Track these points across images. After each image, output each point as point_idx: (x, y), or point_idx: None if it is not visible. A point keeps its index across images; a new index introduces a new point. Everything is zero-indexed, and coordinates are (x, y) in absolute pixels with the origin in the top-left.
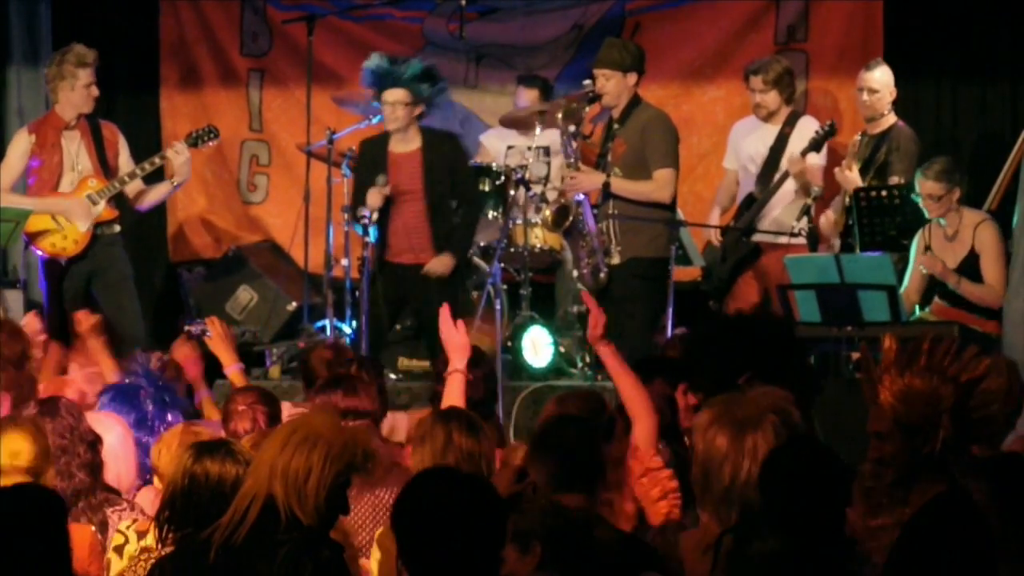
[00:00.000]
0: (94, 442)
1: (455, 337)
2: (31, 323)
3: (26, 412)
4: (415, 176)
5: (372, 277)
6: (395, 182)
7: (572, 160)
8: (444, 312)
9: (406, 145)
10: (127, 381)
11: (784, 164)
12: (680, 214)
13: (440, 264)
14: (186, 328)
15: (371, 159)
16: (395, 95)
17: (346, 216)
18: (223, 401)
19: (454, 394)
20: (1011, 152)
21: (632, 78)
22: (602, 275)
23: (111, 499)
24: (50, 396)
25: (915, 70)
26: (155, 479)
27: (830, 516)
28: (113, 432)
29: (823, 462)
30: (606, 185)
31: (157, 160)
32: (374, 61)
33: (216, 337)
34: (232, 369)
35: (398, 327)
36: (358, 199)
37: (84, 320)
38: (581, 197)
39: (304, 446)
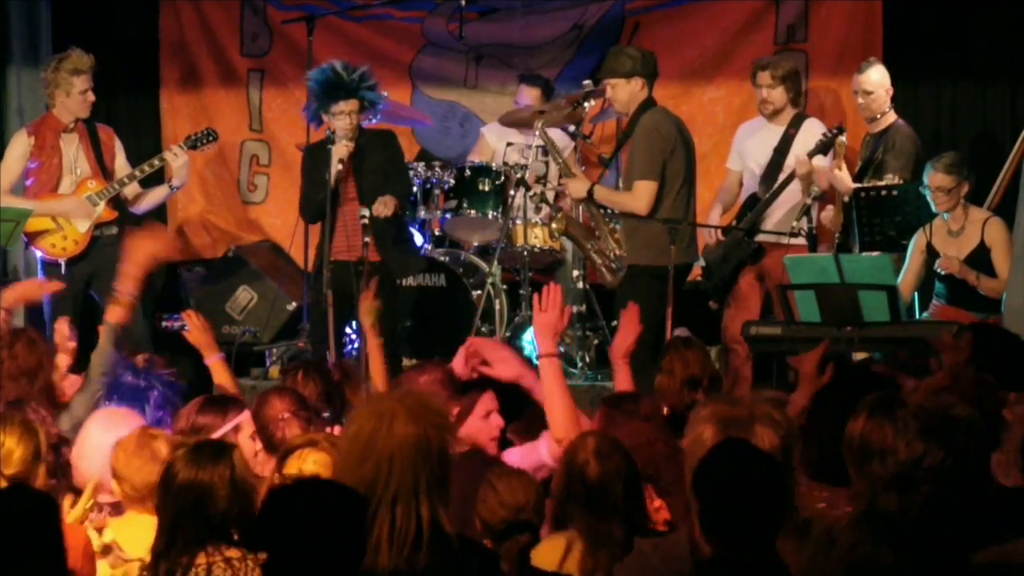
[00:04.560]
0: (58, 445)
1: (542, 318)
2: (61, 329)
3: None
4: (349, 177)
5: (318, 273)
6: (340, 184)
7: (562, 164)
8: (545, 294)
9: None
10: (131, 381)
11: (790, 165)
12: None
13: (382, 205)
14: (163, 324)
15: (318, 162)
16: (350, 105)
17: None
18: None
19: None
20: (1011, 152)
21: (637, 83)
22: (620, 273)
23: (76, 501)
24: (15, 399)
25: (915, 70)
26: (112, 482)
27: (762, 523)
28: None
29: (756, 465)
30: (591, 193)
31: (156, 162)
32: (325, 72)
33: (194, 330)
34: (212, 360)
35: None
36: (311, 197)
37: (58, 331)
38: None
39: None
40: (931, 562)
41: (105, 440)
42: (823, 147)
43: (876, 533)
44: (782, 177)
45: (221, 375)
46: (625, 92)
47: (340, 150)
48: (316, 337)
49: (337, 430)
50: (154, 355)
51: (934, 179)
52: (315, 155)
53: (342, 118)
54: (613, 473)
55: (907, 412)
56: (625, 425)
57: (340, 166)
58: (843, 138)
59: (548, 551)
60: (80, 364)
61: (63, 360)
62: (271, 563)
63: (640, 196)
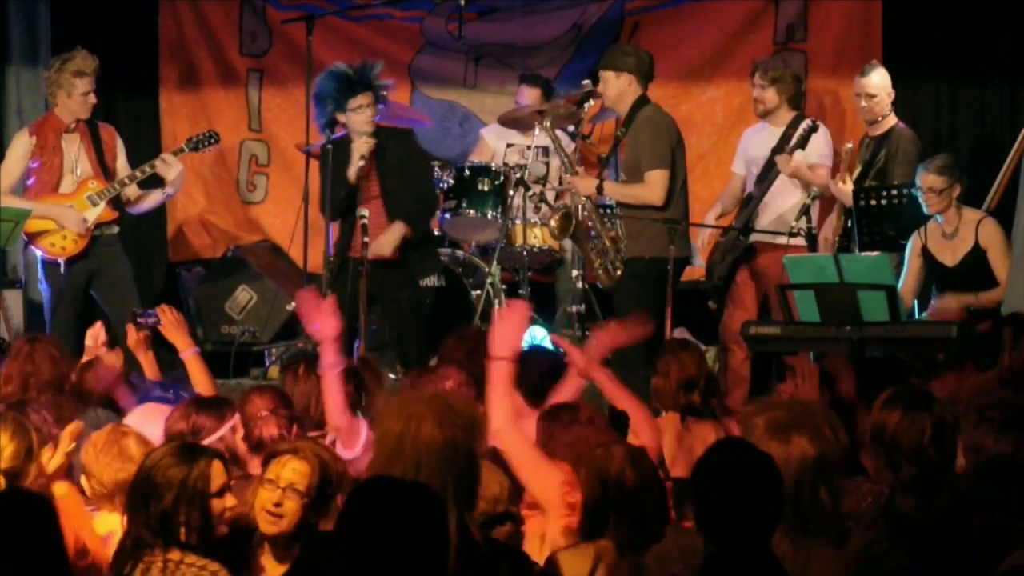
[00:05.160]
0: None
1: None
2: (97, 334)
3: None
4: (372, 176)
5: (335, 273)
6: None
7: (567, 162)
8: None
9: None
10: (160, 395)
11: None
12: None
13: (387, 240)
14: (138, 320)
15: (339, 159)
16: (366, 99)
17: (326, 217)
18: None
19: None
20: (1010, 152)
21: (625, 79)
22: (618, 272)
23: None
24: (19, 399)
25: (914, 70)
26: (82, 478)
27: (756, 522)
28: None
29: (755, 467)
30: (599, 189)
31: (148, 168)
32: (333, 73)
33: (168, 324)
34: (188, 354)
35: None
36: (333, 195)
37: (130, 335)
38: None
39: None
40: (949, 565)
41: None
42: (802, 141)
43: (892, 533)
44: (771, 175)
45: (196, 369)
46: (613, 87)
47: (362, 146)
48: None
49: (329, 437)
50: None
51: (925, 180)
52: (335, 152)
53: (360, 112)
54: (650, 479)
55: (984, 407)
56: (565, 434)
57: (362, 162)
58: (850, 145)
59: (578, 559)
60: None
61: (114, 359)
62: (353, 563)
63: (655, 186)
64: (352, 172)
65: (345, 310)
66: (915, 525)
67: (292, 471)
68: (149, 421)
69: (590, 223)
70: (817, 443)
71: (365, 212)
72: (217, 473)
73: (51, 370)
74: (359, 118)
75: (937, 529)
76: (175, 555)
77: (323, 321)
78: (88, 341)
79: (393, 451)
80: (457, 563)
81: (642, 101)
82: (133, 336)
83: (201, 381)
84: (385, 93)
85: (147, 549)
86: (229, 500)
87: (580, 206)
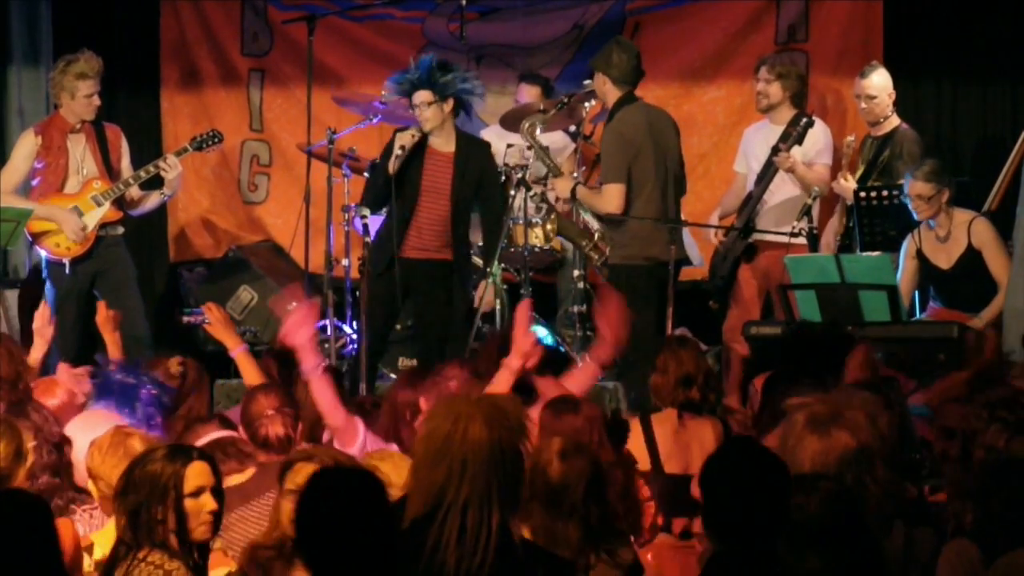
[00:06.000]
0: (60, 443)
1: (524, 340)
2: (43, 314)
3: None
4: (446, 176)
5: (382, 273)
6: (429, 177)
7: (551, 165)
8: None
9: (444, 145)
10: (121, 379)
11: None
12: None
13: (488, 302)
14: (184, 320)
15: (391, 150)
16: (420, 96)
17: (346, 216)
18: (224, 402)
19: (500, 387)
20: (1011, 153)
21: (600, 79)
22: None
23: (79, 498)
24: (19, 398)
25: (915, 70)
26: (89, 483)
27: (763, 523)
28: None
29: (763, 466)
30: (573, 192)
31: (152, 168)
32: (395, 79)
33: (216, 322)
34: (237, 352)
35: (399, 326)
36: (375, 180)
37: (100, 311)
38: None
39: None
40: (856, 558)
41: (86, 443)
42: (799, 137)
43: (794, 541)
44: (769, 173)
45: (247, 366)
46: (595, 86)
47: (405, 137)
48: (373, 333)
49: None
50: (158, 360)
51: (913, 187)
52: (389, 145)
53: (416, 111)
54: (575, 475)
55: (994, 404)
56: (557, 424)
57: (400, 152)
58: (851, 138)
59: None
60: (79, 361)
61: (38, 349)
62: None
63: (609, 199)
64: (391, 163)
65: (390, 309)
66: (806, 526)
67: (305, 477)
68: (91, 428)
69: (585, 218)
70: (857, 435)
71: (366, 211)
72: (194, 474)
73: (7, 367)
74: (419, 115)
75: (829, 525)
76: (142, 553)
77: (304, 326)
78: (36, 323)
79: (440, 451)
80: (495, 564)
81: (622, 102)
82: (102, 313)
83: (253, 378)
84: (455, 86)
85: (124, 546)
86: (208, 503)
87: (570, 204)
